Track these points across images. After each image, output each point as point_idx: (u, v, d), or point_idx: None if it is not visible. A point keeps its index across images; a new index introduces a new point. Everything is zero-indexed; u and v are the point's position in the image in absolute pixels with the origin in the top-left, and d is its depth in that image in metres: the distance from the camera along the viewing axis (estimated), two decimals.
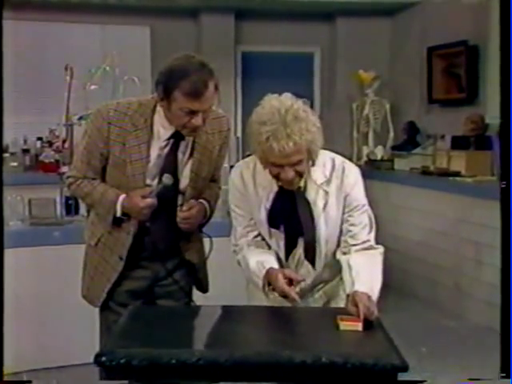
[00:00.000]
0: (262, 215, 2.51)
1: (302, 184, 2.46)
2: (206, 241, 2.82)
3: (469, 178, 5.47)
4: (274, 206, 2.48)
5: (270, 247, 2.57)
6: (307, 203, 2.47)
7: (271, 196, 2.49)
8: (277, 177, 2.39)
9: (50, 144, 6.04)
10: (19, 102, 6.47)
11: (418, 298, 5.76)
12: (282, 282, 2.39)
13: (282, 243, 2.54)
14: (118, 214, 2.59)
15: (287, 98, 2.36)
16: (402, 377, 2.00)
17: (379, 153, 7.07)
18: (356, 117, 7.47)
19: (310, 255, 2.53)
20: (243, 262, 2.55)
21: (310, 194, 2.48)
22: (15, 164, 6.19)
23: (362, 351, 2.08)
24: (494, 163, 5.40)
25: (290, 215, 2.48)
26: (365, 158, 7.16)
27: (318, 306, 2.64)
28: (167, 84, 2.42)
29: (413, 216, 6.01)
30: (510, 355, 2.45)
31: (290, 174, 2.34)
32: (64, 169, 4.27)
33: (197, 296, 2.87)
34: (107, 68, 4.52)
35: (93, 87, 4.43)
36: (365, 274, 2.38)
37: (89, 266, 2.78)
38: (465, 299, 5.27)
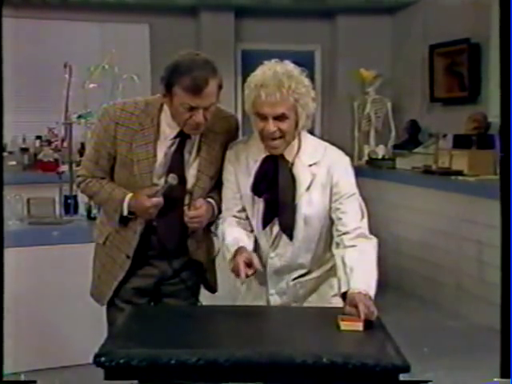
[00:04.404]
0: (249, 187, 2.54)
1: (289, 159, 2.51)
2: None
3: (471, 177, 5.45)
4: (259, 171, 2.53)
5: (251, 229, 2.59)
6: (292, 178, 2.51)
7: (258, 164, 2.54)
8: (261, 133, 2.45)
9: (49, 143, 6.04)
10: (18, 100, 6.47)
11: (419, 297, 5.75)
12: (241, 258, 2.40)
13: (261, 213, 2.55)
14: (125, 213, 2.60)
15: (287, 63, 2.48)
16: (403, 377, 1.98)
17: (381, 152, 7.06)
18: (357, 115, 7.46)
19: (287, 229, 2.54)
20: (221, 234, 2.58)
21: (297, 171, 2.52)
22: (14, 163, 6.20)
23: (363, 351, 2.07)
24: (496, 162, 5.37)
25: (273, 183, 2.51)
26: (366, 157, 7.15)
27: (290, 293, 2.63)
28: (169, 79, 2.44)
29: (414, 215, 5.99)
30: (510, 355, 2.43)
31: (272, 127, 2.41)
32: (63, 168, 4.28)
33: (204, 296, 2.86)
34: (106, 66, 4.52)
35: (92, 85, 4.43)
36: (360, 271, 2.36)
37: (97, 264, 2.79)
38: (467, 299, 5.25)
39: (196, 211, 2.58)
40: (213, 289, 2.86)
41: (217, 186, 2.67)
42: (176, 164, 2.59)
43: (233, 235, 2.53)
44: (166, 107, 2.56)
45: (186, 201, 2.63)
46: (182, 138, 2.58)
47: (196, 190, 2.63)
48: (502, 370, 2.46)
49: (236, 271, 2.41)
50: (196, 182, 2.63)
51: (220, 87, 2.48)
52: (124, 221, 2.64)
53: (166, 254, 2.67)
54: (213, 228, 2.76)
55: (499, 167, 2.62)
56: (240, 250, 2.45)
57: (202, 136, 2.61)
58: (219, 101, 2.52)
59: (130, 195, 2.59)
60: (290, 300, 2.63)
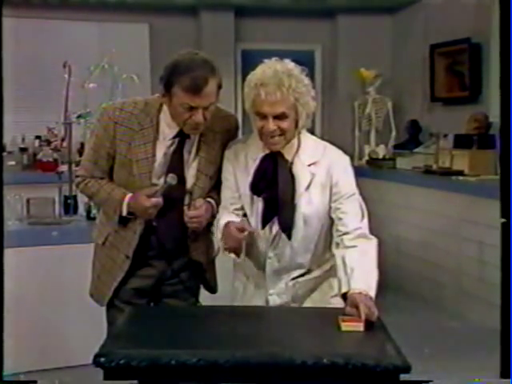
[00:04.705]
0: (248, 186, 2.53)
1: (289, 158, 2.50)
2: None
3: (472, 177, 5.43)
4: (258, 170, 2.51)
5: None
6: (291, 177, 2.50)
7: (257, 162, 2.52)
8: (261, 132, 2.43)
9: (49, 143, 6.03)
10: (17, 100, 6.44)
11: (420, 298, 5.73)
12: (232, 224, 2.40)
13: (260, 212, 2.53)
14: (124, 213, 2.59)
15: (287, 61, 2.46)
16: (404, 377, 1.98)
17: (381, 152, 7.05)
18: (358, 115, 7.44)
19: (286, 229, 2.52)
20: (216, 223, 2.58)
21: (296, 171, 2.50)
22: (13, 163, 6.17)
23: (364, 352, 2.06)
24: (497, 162, 5.36)
25: (272, 182, 2.50)
26: (366, 157, 7.14)
27: (290, 294, 2.61)
28: (168, 79, 2.43)
29: (415, 215, 5.98)
30: (510, 355, 2.43)
31: (272, 126, 2.39)
32: (62, 168, 4.27)
33: (204, 296, 2.85)
34: (106, 66, 4.51)
35: (91, 85, 4.43)
36: (360, 271, 2.36)
37: (96, 265, 2.78)
38: (468, 300, 5.24)
39: (196, 211, 2.57)
40: (213, 289, 2.85)
41: (216, 186, 2.66)
42: (175, 164, 2.59)
43: (227, 219, 2.50)
44: (165, 107, 2.55)
45: (186, 201, 2.62)
46: (182, 137, 2.57)
47: (195, 189, 2.62)
48: (502, 370, 2.46)
49: (229, 246, 2.42)
50: (195, 182, 2.62)
51: (219, 87, 2.47)
52: (123, 221, 2.63)
53: (165, 255, 2.66)
54: (212, 228, 2.75)
55: (499, 167, 2.62)
56: (230, 222, 2.44)
57: (202, 135, 2.60)
58: (219, 100, 2.51)
59: (129, 195, 2.58)
60: (289, 300, 2.62)
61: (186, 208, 2.60)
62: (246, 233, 2.40)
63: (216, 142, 2.63)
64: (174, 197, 2.59)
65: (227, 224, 2.43)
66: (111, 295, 2.69)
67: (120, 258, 2.67)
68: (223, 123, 2.67)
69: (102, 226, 2.75)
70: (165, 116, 2.57)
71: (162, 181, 2.58)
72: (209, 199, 2.64)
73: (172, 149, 2.59)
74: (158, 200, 2.53)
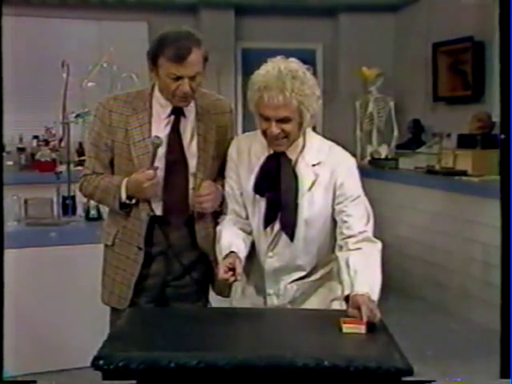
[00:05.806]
0: (251, 184, 2.52)
1: (293, 158, 2.48)
2: None
3: (475, 177, 5.41)
4: (262, 169, 2.50)
5: (250, 229, 2.56)
6: (294, 177, 2.48)
7: (261, 161, 2.51)
8: (265, 133, 2.43)
9: (47, 143, 6.02)
10: (15, 99, 6.40)
11: (423, 300, 5.72)
12: (225, 262, 2.40)
13: (263, 212, 2.52)
14: (123, 196, 2.59)
15: (292, 61, 2.44)
16: (406, 379, 1.95)
17: (383, 152, 7.04)
18: (359, 115, 7.42)
19: (287, 229, 2.50)
20: (218, 234, 2.57)
21: (299, 170, 2.48)
22: (11, 163, 6.16)
23: (365, 354, 2.04)
24: None
25: (275, 181, 2.48)
26: (368, 157, 7.13)
27: (288, 295, 2.59)
28: (154, 52, 2.52)
29: (417, 216, 5.97)
30: (510, 356, 2.42)
31: (275, 130, 2.38)
32: (60, 168, 4.26)
33: (212, 298, 2.83)
34: (105, 65, 4.51)
35: (90, 84, 4.42)
36: (364, 273, 2.33)
37: (109, 269, 2.76)
38: (471, 301, 5.22)
39: (207, 190, 2.58)
40: (222, 291, 2.79)
41: (220, 173, 2.66)
42: (173, 143, 2.62)
43: (228, 238, 2.50)
44: (156, 90, 2.62)
45: (191, 184, 2.63)
46: (176, 115, 2.61)
47: (200, 169, 2.63)
48: (501, 370, 2.46)
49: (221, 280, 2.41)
50: (198, 161, 2.63)
51: (205, 59, 2.54)
52: (125, 208, 2.63)
53: (173, 248, 2.65)
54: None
55: (499, 167, 2.61)
56: (229, 255, 2.43)
57: (198, 115, 2.65)
58: (205, 74, 2.55)
59: (126, 178, 2.60)
60: (287, 301, 2.60)
61: (191, 191, 2.61)
62: (233, 279, 2.37)
63: (213, 122, 2.68)
64: (178, 179, 2.61)
65: (225, 258, 2.42)
66: (132, 294, 2.67)
67: (133, 252, 2.66)
68: (217, 105, 2.73)
69: (108, 228, 2.76)
70: (157, 97, 2.62)
71: (161, 163, 2.58)
72: (218, 186, 2.64)
73: (168, 128, 2.62)
74: (152, 172, 2.53)
